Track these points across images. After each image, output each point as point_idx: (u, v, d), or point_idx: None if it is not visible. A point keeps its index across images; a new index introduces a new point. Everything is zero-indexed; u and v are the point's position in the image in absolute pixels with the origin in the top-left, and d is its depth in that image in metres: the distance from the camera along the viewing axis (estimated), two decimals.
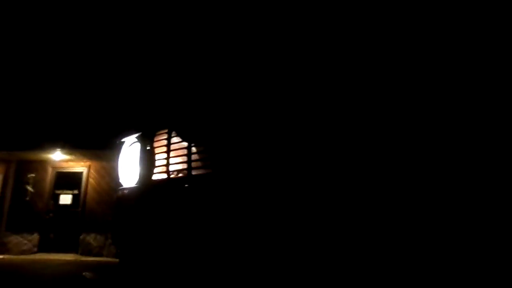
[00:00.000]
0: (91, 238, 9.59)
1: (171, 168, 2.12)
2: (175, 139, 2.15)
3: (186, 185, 2.04)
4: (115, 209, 2.62)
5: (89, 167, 10.22)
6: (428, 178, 1.48)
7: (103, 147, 8.11)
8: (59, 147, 8.88)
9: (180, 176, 2.08)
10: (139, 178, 2.29)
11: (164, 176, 2.15)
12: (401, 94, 1.62)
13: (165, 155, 2.16)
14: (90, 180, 10.12)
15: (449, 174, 1.45)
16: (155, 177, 2.22)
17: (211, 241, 1.88)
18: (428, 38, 1.67)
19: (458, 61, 1.58)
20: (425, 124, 1.54)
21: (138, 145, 2.42)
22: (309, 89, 1.80)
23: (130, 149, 2.54)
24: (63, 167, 10.31)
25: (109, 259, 8.83)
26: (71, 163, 10.27)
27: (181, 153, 2.08)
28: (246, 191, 1.80)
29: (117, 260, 2.74)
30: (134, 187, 2.33)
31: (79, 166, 10.30)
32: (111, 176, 9.65)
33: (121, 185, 2.52)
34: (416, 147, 1.52)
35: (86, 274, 2.53)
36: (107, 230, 8.96)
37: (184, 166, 2.04)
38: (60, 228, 9.86)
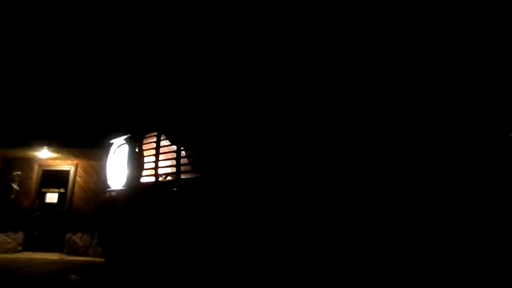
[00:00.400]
0: (77, 238, 9.48)
1: (160, 171, 2.11)
2: (164, 142, 2.14)
3: (174, 189, 2.03)
4: (102, 211, 2.59)
5: (76, 166, 10.10)
6: (428, 179, 1.48)
7: (91, 146, 8.03)
8: (45, 145, 8.76)
9: (169, 180, 2.07)
10: (127, 181, 2.27)
11: (153, 179, 2.14)
12: (401, 95, 1.63)
13: (153, 158, 2.14)
14: (77, 178, 10.00)
15: (448, 174, 1.46)
16: (143, 180, 2.21)
17: (199, 245, 1.87)
18: (428, 38, 1.68)
19: (459, 61, 1.60)
20: (426, 124, 1.55)
21: (126, 147, 2.40)
22: (299, 92, 1.80)
23: (119, 151, 2.52)
24: (50, 165, 10.17)
25: (94, 259, 8.74)
26: (58, 161, 10.14)
27: (170, 157, 2.07)
28: (235, 196, 1.80)
29: (103, 260, 2.72)
30: (122, 189, 2.31)
31: (66, 164, 10.17)
32: (98, 175, 9.56)
33: (109, 187, 2.50)
34: (416, 148, 1.53)
35: (71, 276, 2.51)
36: (93, 229, 8.87)
37: (173, 169, 2.03)
38: (45, 227, 9.72)
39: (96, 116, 7.39)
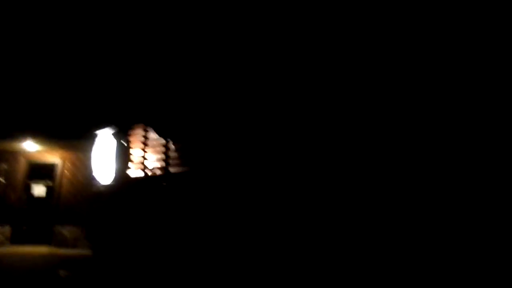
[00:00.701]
0: (65, 230, 9.41)
1: (148, 165, 2.08)
2: (152, 135, 2.11)
3: (163, 183, 2.00)
4: (90, 205, 2.56)
5: (64, 159, 9.97)
6: (427, 179, 1.48)
7: (77, 138, 7.89)
8: (29, 136, 8.57)
9: (157, 174, 2.05)
10: (115, 175, 2.24)
11: (141, 173, 2.11)
12: (401, 95, 1.61)
13: (141, 152, 2.12)
14: (65, 172, 9.88)
15: (447, 175, 1.46)
16: (131, 173, 2.18)
17: (186, 238, 1.86)
18: (427, 39, 1.67)
19: (459, 61, 1.59)
20: (425, 125, 1.54)
21: (113, 140, 2.37)
22: (288, 87, 1.79)
23: (105, 144, 2.48)
24: (37, 158, 10.02)
25: (82, 251, 8.68)
26: (45, 154, 9.99)
27: (159, 150, 2.04)
28: (223, 190, 1.79)
29: (91, 253, 2.69)
30: (110, 184, 2.28)
31: (54, 157, 10.03)
32: (86, 168, 9.40)
33: (97, 181, 2.47)
34: (417, 148, 1.52)
35: (60, 272, 2.48)
36: (81, 222, 8.82)
37: (162, 163, 2.01)
38: (33, 220, 9.62)
39: (83, 107, 7.25)
